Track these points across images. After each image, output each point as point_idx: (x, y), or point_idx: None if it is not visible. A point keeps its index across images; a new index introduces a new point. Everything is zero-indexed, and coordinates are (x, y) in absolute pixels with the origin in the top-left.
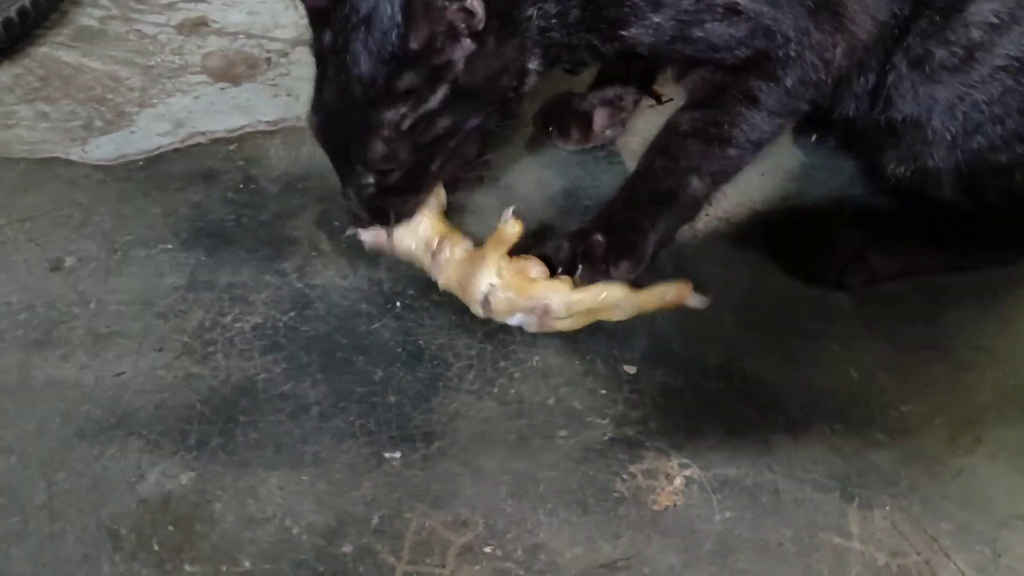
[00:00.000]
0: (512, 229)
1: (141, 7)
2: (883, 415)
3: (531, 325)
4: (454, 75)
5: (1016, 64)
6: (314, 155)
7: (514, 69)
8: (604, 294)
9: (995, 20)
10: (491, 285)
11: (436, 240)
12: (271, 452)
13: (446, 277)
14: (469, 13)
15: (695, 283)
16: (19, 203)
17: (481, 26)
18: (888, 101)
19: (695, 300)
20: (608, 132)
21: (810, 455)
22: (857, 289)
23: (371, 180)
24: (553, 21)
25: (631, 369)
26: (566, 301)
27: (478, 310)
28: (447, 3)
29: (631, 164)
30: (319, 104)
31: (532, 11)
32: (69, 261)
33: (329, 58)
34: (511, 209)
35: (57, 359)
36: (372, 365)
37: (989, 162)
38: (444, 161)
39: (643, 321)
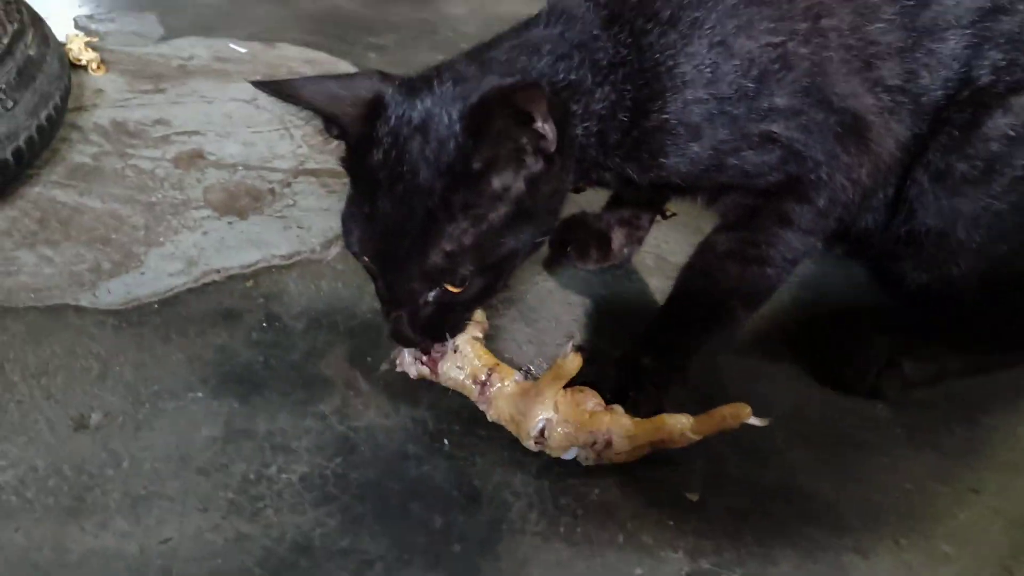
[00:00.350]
0: (573, 364)
1: (134, 142)
2: (943, 525)
3: (588, 459)
4: (518, 195)
5: None
6: (335, 289)
7: (565, 188)
8: (668, 424)
9: (1012, 133)
10: (547, 419)
11: (485, 372)
12: None
13: (496, 409)
14: (541, 136)
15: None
16: (32, 357)
17: (553, 148)
18: (910, 214)
19: (757, 421)
20: (626, 251)
21: (885, 574)
22: (892, 397)
23: (428, 298)
24: (592, 139)
25: (694, 496)
26: (629, 434)
27: (531, 444)
28: (518, 128)
29: (649, 279)
30: (370, 217)
31: (580, 129)
32: (94, 417)
33: (381, 170)
34: (571, 342)
35: (95, 528)
36: (429, 511)
37: (1013, 267)
38: (501, 280)
39: (695, 445)
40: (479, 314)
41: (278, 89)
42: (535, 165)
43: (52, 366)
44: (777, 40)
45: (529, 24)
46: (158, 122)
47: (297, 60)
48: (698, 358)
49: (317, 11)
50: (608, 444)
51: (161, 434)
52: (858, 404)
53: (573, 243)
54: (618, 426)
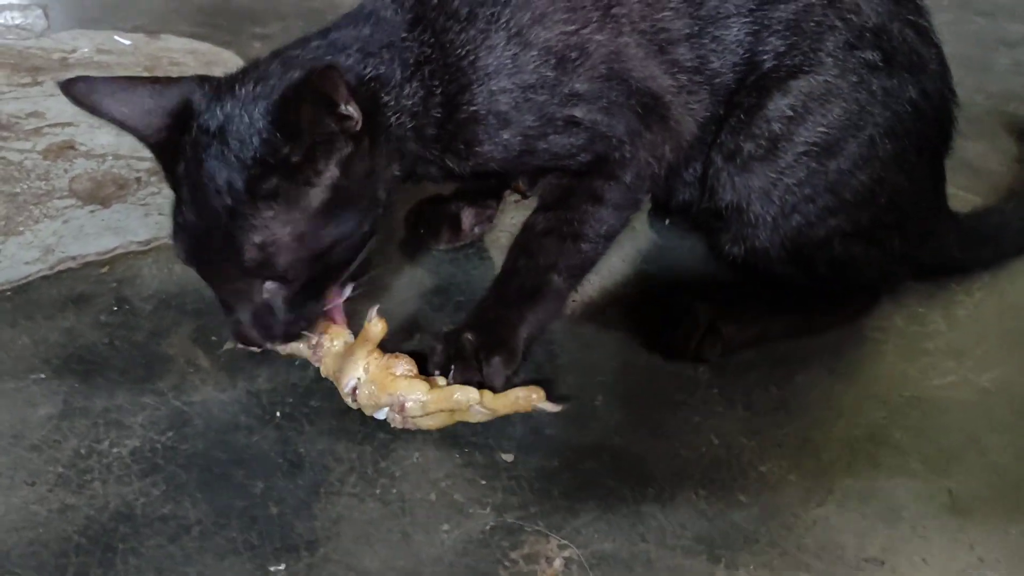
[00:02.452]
0: (376, 327)
1: (5, 134)
2: (744, 476)
3: (395, 421)
4: (332, 181)
5: (815, 149)
6: (188, 272)
7: (383, 175)
8: (457, 395)
9: (791, 113)
10: (358, 379)
11: (316, 334)
12: None
13: (325, 367)
14: (345, 117)
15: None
16: None
17: (358, 127)
18: (712, 190)
19: (548, 406)
20: (476, 230)
21: (679, 521)
22: (713, 359)
23: (263, 297)
24: (409, 133)
25: (508, 457)
26: (421, 400)
27: (349, 402)
28: (324, 114)
29: (500, 258)
30: (184, 228)
31: (392, 119)
32: None
33: (185, 181)
34: (375, 308)
35: None
36: (252, 478)
37: (809, 237)
38: (337, 270)
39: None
40: None
41: (81, 98)
42: (345, 148)
43: None
44: (572, 28)
45: (337, 25)
46: (31, 115)
47: (180, 51)
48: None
49: (207, 2)
50: (403, 408)
51: None
52: (682, 368)
53: (424, 224)
54: (412, 391)
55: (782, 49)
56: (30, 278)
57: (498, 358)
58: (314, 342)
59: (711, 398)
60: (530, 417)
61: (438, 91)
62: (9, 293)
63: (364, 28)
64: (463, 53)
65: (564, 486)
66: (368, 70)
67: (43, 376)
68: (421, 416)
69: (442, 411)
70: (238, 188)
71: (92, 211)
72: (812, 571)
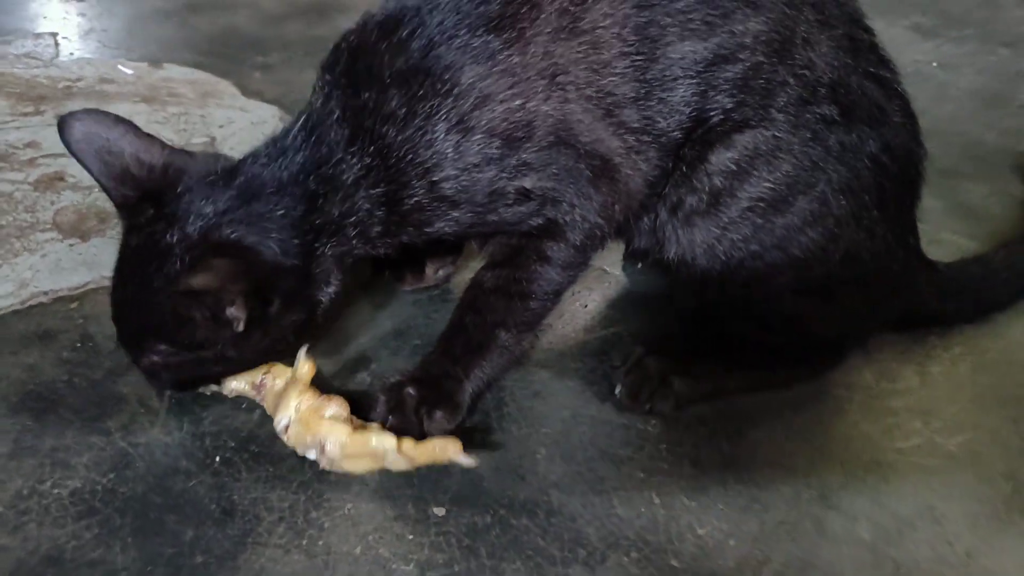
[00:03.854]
0: (303, 368)
1: (2, 164)
2: (680, 540)
3: (321, 462)
4: (225, 340)
5: (761, 205)
6: None
7: (305, 309)
8: (374, 442)
9: (733, 167)
10: (289, 418)
11: (260, 374)
12: None
13: (267, 405)
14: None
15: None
16: None
17: (241, 327)
18: (660, 243)
19: (463, 459)
20: (440, 273)
21: None
22: (666, 413)
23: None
24: (354, 241)
25: (440, 511)
26: (340, 442)
27: (284, 439)
28: (211, 316)
29: None
30: (113, 289)
31: (326, 250)
32: None
33: (124, 253)
34: (304, 349)
35: None
36: (184, 524)
37: (758, 293)
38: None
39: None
40: None
41: (70, 142)
42: (235, 328)
43: None
44: (516, 104)
45: (273, 153)
46: (28, 145)
47: (180, 81)
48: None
49: (213, 30)
50: (323, 450)
51: None
52: (633, 421)
53: (389, 266)
54: (333, 434)
55: (730, 106)
56: (1, 312)
57: (440, 412)
58: (258, 381)
59: (658, 454)
60: (468, 470)
61: (381, 195)
62: None
63: (297, 156)
64: (401, 154)
65: (492, 544)
66: (295, 228)
67: None
68: (342, 459)
69: (362, 456)
70: (146, 314)
71: (71, 245)
72: None
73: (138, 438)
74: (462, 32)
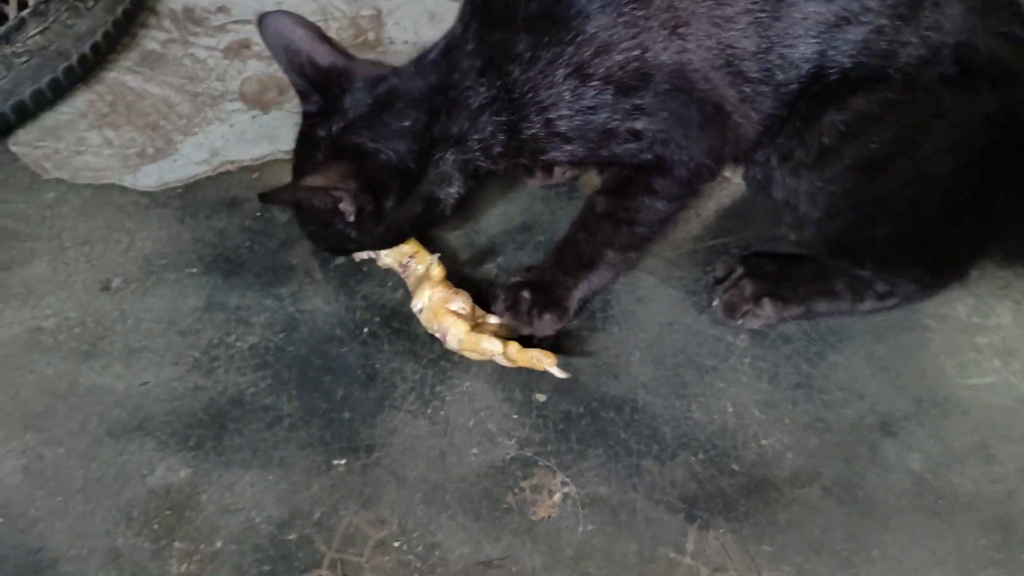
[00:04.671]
0: (435, 271)
1: (197, 30)
2: (744, 447)
3: (445, 343)
4: (346, 222)
5: (863, 163)
6: None
7: (427, 202)
8: (484, 344)
9: (843, 128)
10: (422, 305)
11: (406, 257)
12: (249, 455)
13: (409, 284)
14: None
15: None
16: (82, 228)
17: (352, 218)
18: (769, 182)
19: (556, 371)
20: (568, 173)
21: (671, 480)
22: (756, 328)
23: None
24: (477, 154)
25: (542, 397)
26: (458, 337)
27: (419, 319)
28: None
29: None
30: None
31: (442, 155)
32: (116, 282)
33: (299, 135)
34: (436, 256)
35: (99, 369)
36: (336, 384)
37: (855, 239)
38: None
39: (562, 354)
40: None
41: (268, 38)
42: (349, 217)
43: (95, 237)
44: (635, 54)
45: (413, 71)
46: (220, 10)
47: None
48: (590, 295)
49: None
50: (444, 338)
51: (160, 300)
52: (724, 333)
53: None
54: (454, 328)
55: (848, 65)
56: (197, 178)
57: (549, 315)
58: (404, 262)
59: (740, 367)
60: (571, 361)
61: (504, 122)
62: (180, 191)
63: (431, 77)
64: (524, 91)
65: (582, 431)
66: (422, 129)
67: (196, 271)
68: (459, 349)
69: (474, 351)
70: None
71: (254, 116)
72: (775, 544)
73: (303, 305)
74: None
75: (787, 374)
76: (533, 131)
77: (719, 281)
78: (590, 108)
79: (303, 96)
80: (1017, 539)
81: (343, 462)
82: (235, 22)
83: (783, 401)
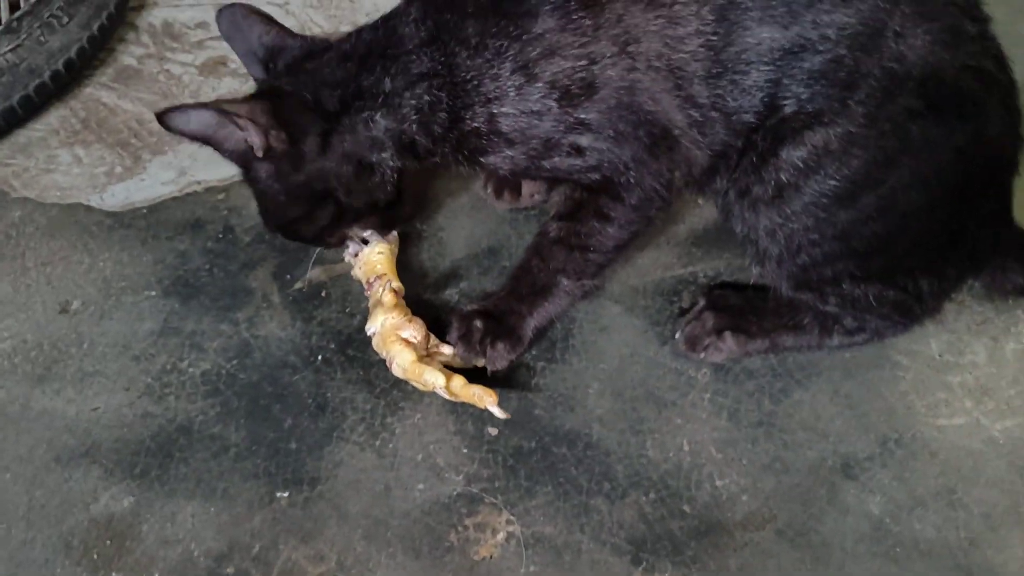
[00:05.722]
0: (386, 298)
1: (174, 45)
2: (697, 488)
3: (392, 371)
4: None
5: (824, 200)
6: None
7: (359, 166)
8: (426, 376)
9: (801, 165)
10: (374, 330)
11: (372, 277)
12: (193, 485)
13: (369, 307)
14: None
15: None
16: (45, 248)
17: (261, 154)
18: (728, 216)
19: (497, 411)
20: (536, 196)
21: (619, 520)
22: (717, 363)
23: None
24: (413, 125)
25: (494, 431)
26: (403, 367)
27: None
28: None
29: None
30: None
31: (371, 114)
32: (75, 304)
33: None
34: (389, 282)
35: (52, 393)
36: (285, 413)
37: (817, 274)
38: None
39: (517, 386)
40: (392, 235)
41: (224, 31)
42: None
43: (57, 257)
44: (582, 64)
45: (355, 33)
46: (199, 25)
47: None
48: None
49: None
50: (391, 364)
51: (116, 323)
52: (686, 367)
53: (491, 184)
54: (400, 356)
55: (805, 96)
56: (163, 198)
57: (502, 344)
58: (371, 280)
59: (700, 403)
60: (525, 395)
61: (444, 102)
62: (145, 211)
63: (378, 34)
64: (468, 77)
65: (532, 467)
66: (354, 83)
67: (154, 293)
68: (404, 377)
69: (417, 381)
70: None
71: None
72: None
73: (259, 330)
74: None
75: (748, 411)
76: (476, 124)
77: (683, 312)
78: (535, 112)
79: (256, 79)
80: None
81: (286, 494)
82: (213, 38)
83: (742, 440)
